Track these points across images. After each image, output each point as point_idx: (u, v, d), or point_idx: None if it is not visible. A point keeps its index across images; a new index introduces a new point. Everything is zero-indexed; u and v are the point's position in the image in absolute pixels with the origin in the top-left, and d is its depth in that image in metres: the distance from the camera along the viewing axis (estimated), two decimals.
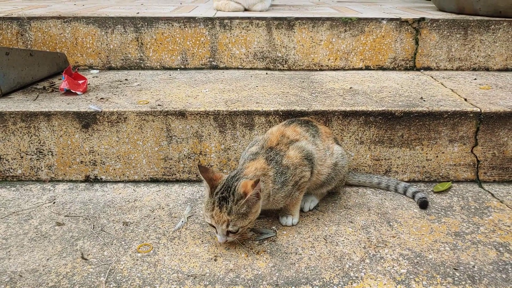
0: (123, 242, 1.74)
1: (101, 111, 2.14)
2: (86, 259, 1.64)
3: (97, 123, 2.15)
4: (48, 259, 1.64)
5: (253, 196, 1.55)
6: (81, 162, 2.22)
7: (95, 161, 2.21)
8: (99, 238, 1.77)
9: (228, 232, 1.59)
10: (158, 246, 1.71)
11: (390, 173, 2.21)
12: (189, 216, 1.92)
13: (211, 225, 1.62)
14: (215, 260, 1.62)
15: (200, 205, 2.02)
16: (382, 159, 2.19)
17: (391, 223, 1.84)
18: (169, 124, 2.14)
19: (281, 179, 1.68)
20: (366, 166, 2.21)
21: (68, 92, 2.45)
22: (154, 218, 1.91)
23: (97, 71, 2.97)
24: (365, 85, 2.60)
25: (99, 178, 2.24)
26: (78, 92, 2.44)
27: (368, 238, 1.74)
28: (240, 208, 1.56)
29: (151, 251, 1.68)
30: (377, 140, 2.15)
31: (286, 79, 2.74)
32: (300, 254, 1.65)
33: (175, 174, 2.23)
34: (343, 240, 1.73)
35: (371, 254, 1.64)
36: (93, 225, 1.86)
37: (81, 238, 1.77)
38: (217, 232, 1.61)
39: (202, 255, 1.65)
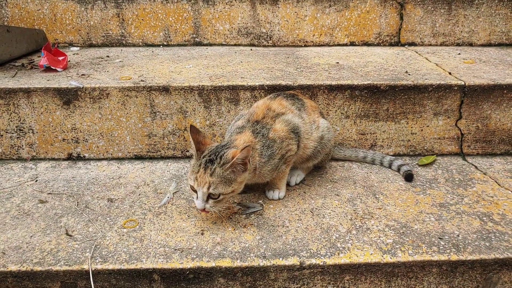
0: (108, 218, 1.72)
1: (82, 87, 2.10)
2: (70, 236, 1.62)
3: (79, 100, 2.11)
4: (31, 236, 1.61)
5: (240, 161, 1.54)
6: (63, 139, 2.18)
7: (77, 138, 2.17)
8: (84, 215, 1.74)
9: (208, 198, 1.56)
10: (144, 221, 1.70)
11: (376, 147, 2.22)
12: (175, 192, 1.90)
13: (193, 189, 1.58)
14: (202, 234, 1.61)
15: (186, 181, 2.00)
16: (367, 133, 2.19)
17: (377, 196, 1.85)
18: (153, 100, 2.11)
19: (268, 152, 1.67)
20: (352, 141, 2.21)
21: (48, 69, 2.39)
22: (139, 195, 1.89)
23: (78, 48, 2.91)
24: (351, 60, 2.59)
25: (82, 155, 2.21)
26: (58, 69, 2.38)
27: (354, 210, 1.75)
28: (225, 172, 1.54)
29: (137, 227, 1.66)
30: (362, 114, 2.15)
31: (271, 55, 2.72)
32: (287, 226, 1.65)
33: (159, 151, 2.20)
34: (330, 213, 1.73)
35: (358, 225, 1.65)
36: (77, 202, 1.84)
37: (65, 215, 1.75)
38: (197, 198, 1.58)
39: (189, 229, 1.64)
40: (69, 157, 2.21)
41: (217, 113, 2.13)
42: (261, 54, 2.73)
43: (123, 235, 1.61)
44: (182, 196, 1.87)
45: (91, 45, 2.94)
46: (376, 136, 2.19)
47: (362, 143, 2.21)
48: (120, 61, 2.56)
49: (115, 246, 1.55)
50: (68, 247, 1.55)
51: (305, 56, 2.67)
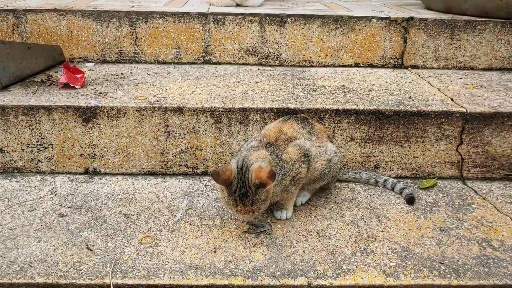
0: (125, 234, 1.82)
1: (101, 106, 2.21)
2: (91, 250, 1.72)
3: (97, 118, 2.22)
4: (55, 250, 1.71)
5: (271, 183, 1.66)
6: (81, 155, 2.28)
7: (94, 154, 2.28)
8: (102, 230, 1.85)
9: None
10: (160, 237, 1.80)
11: (379, 170, 2.33)
12: (187, 209, 2.01)
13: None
14: (215, 252, 1.72)
15: (197, 198, 2.11)
16: (371, 156, 2.30)
17: (380, 218, 1.95)
18: (167, 120, 2.22)
19: (281, 172, 1.77)
20: (356, 162, 2.32)
21: (66, 86, 2.50)
22: (154, 211, 1.99)
23: (92, 64, 3.02)
24: (356, 83, 2.70)
25: (98, 170, 2.31)
26: (76, 86, 2.49)
27: (358, 232, 1.85)
28: (261, 196, 1.68)
29: (153, 243, 1.77)
30: (367, 137, 2.26)
31: (278, 75, 2.83)
32: (295, 247, 1.75)
33: (172, 168, 2.31)
34: (335, 234, 1.83)
35: (362, 247, 1.75)
36: (96, 217, 1.94)
37: (85, 229, 1.85)
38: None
39: (202, 247, 1.74)
40: (86, 172, 2.32)
41: (228, 133, 2.24)
42: (269, 74, 2.84)
43: (141, 250, 1.71)
44: (194, 214, 1.97)
45: (105, 61, 3.05)
46: (379, 159, 2.30)
47: (366, 165, 2.32)
48: (134, 79, 2.67)
49: (133, 261, 1.65)
50: (90, 261, 1.65)
51: (312, 77, 2.78)
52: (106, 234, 1.81)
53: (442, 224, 1.91)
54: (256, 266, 1.63)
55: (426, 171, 2.32)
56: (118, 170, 2.31)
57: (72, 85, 2.48)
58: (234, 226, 1.88)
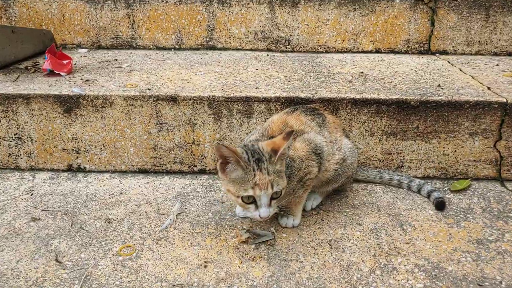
0: (103, 243, 1.56)
1: (84, 95, 1.94)
2: (60, 262, 1.46)
3: (81, 108, 1.96)
4: (18, 261, 1.46)
5: (285, 151, 1.42)
6: (63, 150, 2.03)
7: (78, 149, 2.02)
8: (77, 237, 1.59)
9: (271, 201, 1.41)
10: (142, 248, 1.53)
11: (403, 169, 2.02)
12: (179, 214, 1.73)
13: (247, 202, 1.42)
14: (205, 267, 1.44)
15: (192, 200, 1.84)
16: (394, 153, 1.99)
17: (404, 227, 1.65)
18: (159, 110, 1.94)
19: (287, 172, 1.49)
20: (376, 160, 2.01)
21: (51, 73, 2.24)
22: (140, 215, 1.72)
23: (86, 50, 2.77)
24: (376, 69, 2.38)
25: (82, 167, 2.05)
26: (62, 73, 2.24)
27: (378, 244, 1.55)
28: (275, 166, 1.41)
29: (134, 254, 1.50)
30: (389, 131, 1.95)
31: (288, 62, 2.53)
32: (302, 262, 1.46)
33: (165, 165, 2.04)
34: (351, 246, 1.54)
35: (382, 263, 1.45)
36: (72, 222, 1.68)
37: (57, 236, 1.60)
38: (256, 208, 1.42)
39: (191, 260, 1.47)
40: (69, 168, 2.06)
41: (228, 126, 1.95)
42: (279, 60, 2.54)
43: (118, 264, 1.44)
44: (186, 219, 1.70)
45: (100, 47, 2.79)
46: (403, 156, 1.99)
47: (388, 164, 2.01)
48: (128, 66, 2.40)
49: (107, 277, 1.39)
50: (56, 276, 1.39)
51: (326, 64, 2.47)
52: (81, 243, 1.55)
53: (479, 235, 1.60)
54: (253, 287, 1.34)
55: (458, 170, 2.00)
56: (104, 167, 2.05)
57: (57, 72, 2.22)
58: (231, 235, 1.59)
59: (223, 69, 2.35)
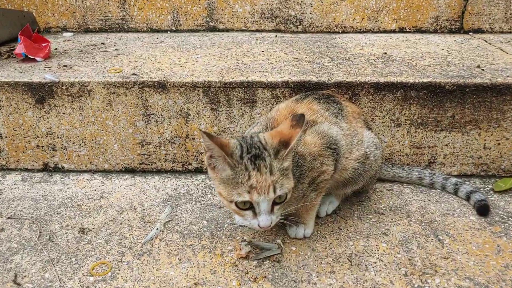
0: (73, 259, 1.31)
1: (58, 82, 1.70)
2: (19, 284, 1.23)
3: (55, 97, 1.71)
4: None
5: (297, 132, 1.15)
6: (37, 146, 1.79)
7: (54, 145, 1.78)
8: (43, 252, 1.35)
9: (273, 206, 1.15)
10: (120, 266, 1.28)
11: (435, 165, 1.75)
12: (167, 222, 1.49)
13: (243, 209, 1.16)
14: None
15: (184, 205, 1.58)
16: (424, 147, 1.72)
17: (441, 237, 1.38)
18: (146, 99, 1.69)
19: (296, 172, 1.24)
20: (403, 156, 1.74)
21: (27, 59, 2.00)
22: (121, 224, 1.48)
23: (71, 34, 2.53)
24: (401, 50, 2.11)
25: (60, 166, 1.81)
26: (37, 58, 2.00)
27: (410, 260, 1.28)
28: (283, 162, 1.15)
29: (109, 274, 1.26)
30: (419, 121, 1.68)
31: (300, 43, 2.27)
32: (315, 283, 1.20)
33: (155, 163, 1.79)
34: (375, 263, 1.28)
35: (416, 286, 1.18)
36: (40, 232, 1.45)
37: (20, 251, 1.36)
38: (255, 215, 1.16)
39: (178, 280, 1.22)
40: (45, 168, 1.83)
41: (228, 117, 1.70)
42: (288, 41, 2.28)
43: (88, 286, 1.20)
44: (176, 228, 1.44)
45: (87, 30, 2.55)
46: (436, 151, 1.72)
47: (417, 160, 1.74)
48: (116, 50, 2.16)
49: None
50: None
51: (343, 45, 2.20)
52: (47, 259, 1.31)
53: None
54: None
55: (502, 167, 1.72)
56: (85, 166, 1.81)
57: (32, 57, 1.98)
58: (228, 248, 1.34)
59: (224, 51, 2.10)
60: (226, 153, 1.12)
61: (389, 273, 1.26)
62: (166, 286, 1.21)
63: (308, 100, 1.41)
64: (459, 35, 2.45)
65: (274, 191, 1.12)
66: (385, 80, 1.67)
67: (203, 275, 1.26)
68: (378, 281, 1.23)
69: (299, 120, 1.14)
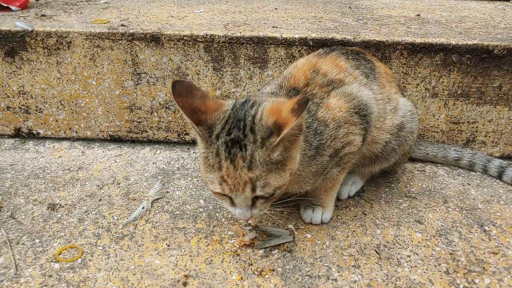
0: (37, 241, 1.10)
1: (32, 31, 1.46)
2: None
3: (27, 50, 1.48)
4: None
5: (296, 129, 0.88)
6: (8, 108, 1.57)
7: (27, 107, 1.56)
8: (1, 231, 1.12)
9: (254, 200, 0.95)
10: (93, 250, 1.06)
11: (474, 145, 1.52)
12: (156, 199, 1.26)
13: (217, 193, 0.95)
14: (185, 285, 0.96)
15: (178, 180, 1.37)
16: (463, 122, 1.49)
17: (486, 228, 1.16)
18: (136, 55, 1.45)
19: (315, 141, 1.02)
20: (437, 132, 1.51)
21: (1, 8, 1.77)
22: (99, 200, 1.26)
23: None
24: (436, 13, 1.87)
25: (35, 132, 1.59)
26: (12, 7, 1.77)
27: (451, 254, 1.07)
28: (272, 153, 0.89)
29: (79, 260, 1.04)
30: (459, 92, 1.45)
31: (319, 3, 2.05)
32: (335, 279, 0.98)
33: (146, 132, 1.56)
34: (409, 256, 1.05)
35: (462, 287, 0.96)
36: (1, 207, 1.22)
37: None
38: (233, 204, 0.96)
39: (165, 272, 1.00)
40: (17, 134, 1.61)
41: (233, 79, 1.46)
42: (305, 1, 2.02)
43: (51, 276, 0.98)
44: (166, 208, 1.22)
45: None
46: (476, 127, 1.49)
47: (454, 137, 1.52)
48: (106, 3, 1.93)
49: None
50: None
51: (369, 7, 1.97)
52: (4, 240, 1.09)
53: None
54: None
55: None
56: (64, 133, 1.58)
57: (6, 5, 1.75)
58: (229, 233, 1.13)
59: (231, 7, 1.87)
60: (196, 121, 0.90)
61: (426, 269, 1.03)
62: (149, 279, 0.99)
63: (334, 55, 1.17)
64: (499, 2, 2.21)
65: (253, 190, 0.90)
66: (422, 41, 1.44)
67: (196, 266, 1.03)
68: (414, 279, 1.00)
69: (302, 105, 0.87)
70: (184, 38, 1.46)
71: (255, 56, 1.47)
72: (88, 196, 1.30)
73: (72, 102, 1.56)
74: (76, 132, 1.61)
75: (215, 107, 0.93)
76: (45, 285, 0.98)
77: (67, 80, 1.53)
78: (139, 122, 1.58)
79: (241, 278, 1.01)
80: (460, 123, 1.53)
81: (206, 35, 1.46)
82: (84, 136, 1.61)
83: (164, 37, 1.46)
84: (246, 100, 0.97)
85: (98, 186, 1.35)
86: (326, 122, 1.06)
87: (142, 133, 1.59)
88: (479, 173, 1.48)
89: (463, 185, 1.40)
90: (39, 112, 1.58)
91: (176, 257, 1.07)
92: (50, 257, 1.06)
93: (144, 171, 1.44)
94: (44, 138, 1.62)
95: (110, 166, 1.46)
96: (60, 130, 1.60)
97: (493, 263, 1.07)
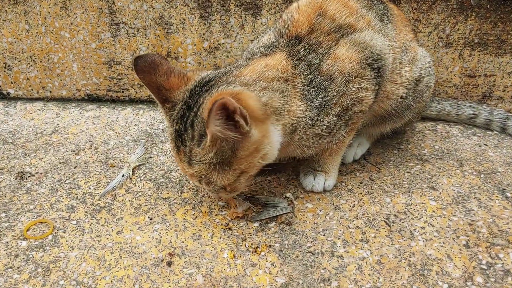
0: (3, 215, 0.99)
1: None
2: None
3: None
4: None
5: (226, 128, 0.77)
6: None
7: None
8: None
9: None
10: (66, 225, 0.95)
11: (491, 101, 1.40)
12: (138, 166, 1.13)
13: None
14: (170, 264, 0.85)
15: (162, 144, 1.23)
16: (480, 75, 1.36)
17: (508, 193, 1.06)
18: (113, 2, 1.31)
19: (318, 98, 0.89)
20: (450, 87, 1.38)
21: None
22: (75, 167, 1.13)
23: None
24: None
25: (4, 92, 1.45)
26: None
27: (470, 224, 0.96)
28: (207, 153, 0.81)
29: (49, 237, 0.92)
30: (476, 41, 1.31)
31: None
32: (341, 256, 0.87)
33: (127, 90, 1.42)
34: (424, 228, 0.94)
35: (484, 263, 0.87)
36: None
37: None
38: None
39: (146, 250, 0.88)
40: None
41: (223, 28, 1.31)
42: None
43: (17, 255, 0.86)
44: (149, 175, 1.10)
45: None
46: (494, 81, 1.36)
47: (468, 92, 1.39)
48: None
49: None
50: None
51: None
52: None
53: None
54: None
55: None
56: (38, 93, 1.45)
57: None
58: (220, 204, 1.01)
59: None
60: (162, 99, 0.89)
61: (443, 243, 0.92)
62: (129, 257, 0.88)
63: None
64: None
65: (200, 182, 0.88)
66: None
67: (182, 242, 0.92)
68: (430, 254, 0.89)
69: (215, 110, 0.74)
70: None
71: (247, 1, 1.31)
72: (61, 163, 1.17)
73: (44, 57, 1.41)
74: (50, 91, 1.46)
75: (179, 85, 0.89)
76: (10, 267, 0.87)
77: (37, 32, 1.38)
78: (119, 79, 1.43)
79: (234, 256, 0.89)
80: (476, 76, 1.40)
81: None
82: (59, 95, 1.47)
83: None
84: (212, 79, 0.88)
85: (73, 151, 1.22)
86: (332, 75, 0.92)
87: (123, 92, 1.45)
88: (496, 132, 1.36)
89: (480, 146, 1.28)
90: (7, 70, 1.43)
91: (160, 232, 0.95)
92: (17, 234, 0.95)
93: (125, 134, 1.31)
94: (15, 99, 1.49)
95: (87, 129, 1.33)
96: (32, 89, 1.46)
97: None
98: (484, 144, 1.29)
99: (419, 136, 1.32)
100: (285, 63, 0.90)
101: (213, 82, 0.86)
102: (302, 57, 0.91)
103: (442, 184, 1.11)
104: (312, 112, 0.89)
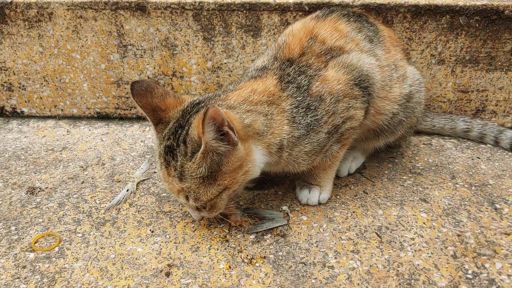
0: (13, 228, 1.01)
1: (11, 2, 1.34)
2: None
3: (7, 23, 1.37)
4: None
5: (212, 133, 0.81)
6: None
7: (10, 84, 1.45)
8: None
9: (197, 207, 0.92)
10: (72, 238, 0.97)
11: (484, 115, 1.40)
12: (142, 181, 1.16)
13: None
14: (168, 275, 0.87)
15: None
16: (472, 91, 1.37)
17: (498, 205, 1.06)
18: (121, 25, 1.34)
19: (307, 118, 0.93)
20: (444, 102, 1.40)
21: None
22: (82, 183, 1.16)
23: None
24: None
25: (19, 110, 1.49)
26: None
27: (459, 235, 0.97)
28: (198, 167, 0.83)
29: (56, 249, 0.95)
30: (467, 58, 1.32)
31: None
32: (332, 266, 0.89)
33: (135, 107, 1.47)
34: (413, 239, 0.96)
35: (470, 272, 0.88)
36: None
37: None
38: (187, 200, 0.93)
39: (146, 260, 0.90)
40: (1, 113, 1.50)
41: (225, 49, 1.35)
42: None
43: (25, 266, 0.89)
44: (152, 190, 1.12)
45: None
46: (486, 96, 1.37)
47: (462, 107, 1.40)
48: None
49: None
50: None
51: None
52: None
53: None
54: None
55: None
56: (50, 111, 1.49)
57: None
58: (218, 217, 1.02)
59: None
60: (156, 121, 0.93)
61: (432, 253, 0.93)
62: (130, 268, 0.90)
63: (334, 18, 1.05)
64: None
65: (187, 199, 0.90)
66: (427, 3, 1.30)
67: (181, 254, 0.94)
68: (418, 264, 0.90)
69: (211, 110, 0.78)
70: (172, 6, 1.34)
71: (247, 24, 1.35)
72: (70, 179, 1.20)
73: (56, 77, 1.45)
74: (62, 109, 1.50)
75: (175, 105, 0.93)
76: (18, 277, 0.89)
77: (50, 54, 1.42)
78: (127, 98, 1.47)
79: (229, 267, 0.91)
80: (468, 91, 1.41)
81: (195, 2, 1.33)
82: (70, 114, 1.51)
83: (150, 5, 1.34)
84: (201, 101, 0.92)
85: (82, 167, 1.25)
86: (322, 96, 0.95)
87: (130, 109, 1.49)
88: (489, 145, 1.37)
89: (472, 159, 1.29)
90: (22, 89, 1.48)
91: (160, 244, 0.97)
92: (26, 246, 0.98)
93: (131, 150, 1.34)
94: (29, 117, 1.53)
95: (95, 146, 1.36)
96: (45, 108, 1.50)
97: (505, 245, 0.97)
98: (477, 157, 1.30)
99: (414, 150, 1.34)
100: (272, 89, 0.93)
101: (202, 104, 0.89)
102: (291, 79, 0.94)
103: (433, 197, 1.12)
104: (298, 132, 0.92)
